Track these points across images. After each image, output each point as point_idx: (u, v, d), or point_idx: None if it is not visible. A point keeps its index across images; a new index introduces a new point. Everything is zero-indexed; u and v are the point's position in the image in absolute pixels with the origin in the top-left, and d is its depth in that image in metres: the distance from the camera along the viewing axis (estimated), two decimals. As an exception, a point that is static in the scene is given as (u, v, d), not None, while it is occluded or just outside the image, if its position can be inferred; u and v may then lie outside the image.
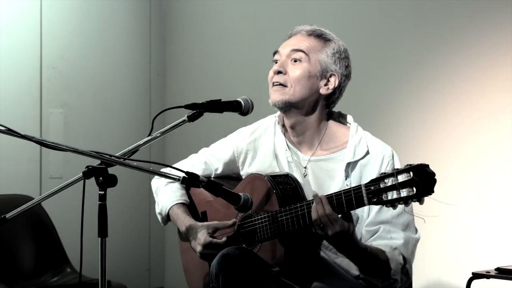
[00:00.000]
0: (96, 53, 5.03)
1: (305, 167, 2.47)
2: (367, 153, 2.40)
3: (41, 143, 2.13)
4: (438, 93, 3.78)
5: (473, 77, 3.65)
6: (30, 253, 4.13)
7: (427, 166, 1.98)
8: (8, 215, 2.29)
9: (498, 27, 3.55)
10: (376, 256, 2.28)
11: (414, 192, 1.96)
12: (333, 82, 2.47)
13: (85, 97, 4.97)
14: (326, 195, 2.18)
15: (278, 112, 2.59)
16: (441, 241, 3.72)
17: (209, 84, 5.04)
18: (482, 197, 3.60)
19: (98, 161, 2.12)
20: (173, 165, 2.40)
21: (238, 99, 2.33)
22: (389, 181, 2.01)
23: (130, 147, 2.24)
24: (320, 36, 2.48)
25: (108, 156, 2.12)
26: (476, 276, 3.13)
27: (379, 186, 2.03)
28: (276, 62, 2.49)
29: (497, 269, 3.11)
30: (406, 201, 1.98)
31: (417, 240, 2.39)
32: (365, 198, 2.08)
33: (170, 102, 5.25)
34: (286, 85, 2.44)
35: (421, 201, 1.98)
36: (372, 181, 2.07)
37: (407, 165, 2.00)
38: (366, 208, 2.35)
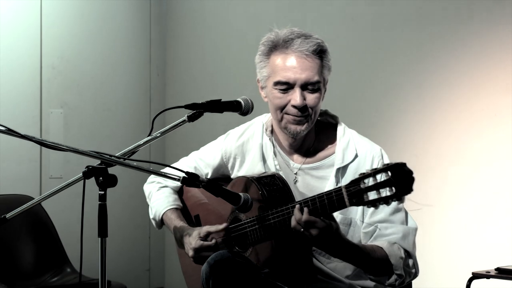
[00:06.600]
0: (96, 53, 5.03)
1: (295, 174, 2.44)
2: (356, 156, 2.39)
3: (41, 143, 2.13)
4: (438, 94, 3.78)
5: (473, 77, 3.65)
6: (30, 253, 4.13)
7: (404, 164, 1.95)
8: (8, 215, 2.29)
9: (498, 27, 3.55)
10: (372, 252, 2.26)
11: (394, 192, 1.93)
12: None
13: (85, 97, 4.97)
14: (305, 199, 2.16)
15: (265, 117, 2.55)
16: (441, 241, 3.72)
17: (209, 84, 5.04)
18: (482, 197, 3.60)
19: (98, 161, 2.11)
20: (172, 165, 2.37)
21: (238, 99, 2.32)
22: (369, 182, 1.98)
23: (130, 147, 2.24)
24: (320, 52, 2.35)
25: (108, 156, 2.11)
26: (476, 276, 3.13)
27: (359, 187, 2.00)
28: (284, 91, 2.35)
29: (497, 269, 3.12)
30: (386, 201, 1.95)
31: (416, 230, 2.37)
32: (346, 200, 2.05)
33: (170, 102, 5.25)
34: (307, 114, 2.36)
35: (401, 200, 1.95)
36: (352, 182, 2.04)
37: (385, 164, 1.97)
38: (359, 210, 2.35)
